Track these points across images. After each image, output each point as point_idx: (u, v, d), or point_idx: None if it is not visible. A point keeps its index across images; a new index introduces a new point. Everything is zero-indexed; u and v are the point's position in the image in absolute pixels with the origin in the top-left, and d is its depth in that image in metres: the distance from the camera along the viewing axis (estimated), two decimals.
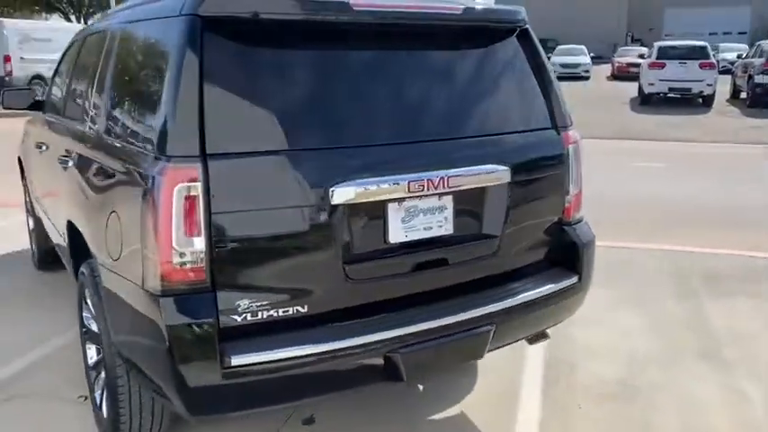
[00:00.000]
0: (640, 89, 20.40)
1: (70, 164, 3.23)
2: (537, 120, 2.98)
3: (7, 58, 20.12)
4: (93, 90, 3.18)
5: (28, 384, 3.60)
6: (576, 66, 29.58)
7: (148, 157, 2.27)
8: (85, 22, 38.64)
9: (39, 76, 21.06)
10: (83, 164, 3.04)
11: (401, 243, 2.54)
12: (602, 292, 4.97)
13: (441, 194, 2.59)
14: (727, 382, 3.66)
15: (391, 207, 2.50)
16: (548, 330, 3.30)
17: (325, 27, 2.43)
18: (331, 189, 2.31)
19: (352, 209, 2.40)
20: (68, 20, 37.07)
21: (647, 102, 19.86)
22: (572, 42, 34.07)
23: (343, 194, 2.33)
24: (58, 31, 23.12)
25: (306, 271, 2.37)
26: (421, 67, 2.70)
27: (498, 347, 2.88)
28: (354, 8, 2.41)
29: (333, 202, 2.32)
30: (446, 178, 2.53)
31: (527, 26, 2.98)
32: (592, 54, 32.24)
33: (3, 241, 6.19)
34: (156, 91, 2.31)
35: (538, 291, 2.84)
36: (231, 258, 2.23)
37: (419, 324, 2.50)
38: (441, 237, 2.63)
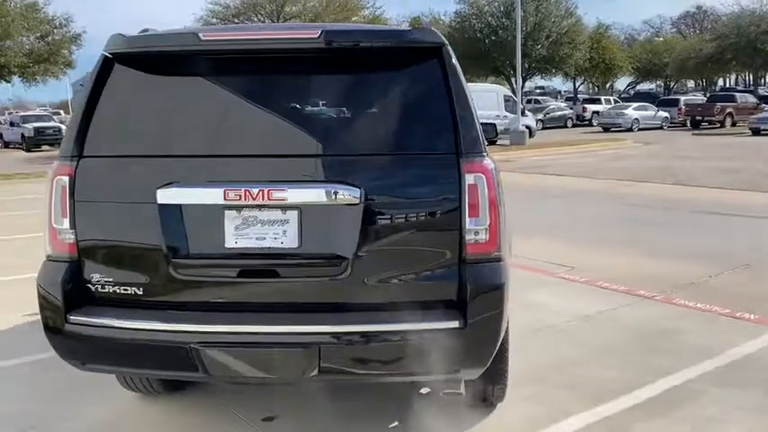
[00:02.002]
0: None
1: None
2: (429, 144, 2.73)
3: None
4: None
5: None
6: None
7: None
8: (523, 84, 42.52)
9: None
10: None
11: (232, 249, 2.72)
12: (725, 392, 3.77)
13: (284, 208, 2.68)
14: None
15: (228, 214, 2.71)
16: (461, 386, 2.91)
17: (178, 57, 2.84)
18: (157, 190, 2.70)
19: (187, 211, 2.72)
20: (510, 83, 41.16)
21: None
22: None
23: (164, 196, 2.69)
24: (474, 91, 26.20)
25: (141, 261, 2.80)
26: (275, 89, 2.81)
27: (341, 376, 2.73)
28: (203, 38, 2.75)
29: (159, 202, 2.70)
30: (267, 191, 2.62)
31: (422, 45, 2.77)
32: None
33: None
34: None
35: (387, 325, 2.61)
36: (89, 239, 2.82)
37: (224, 325, 2.64)
38: (276, 249, 2.70)
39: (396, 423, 3.47)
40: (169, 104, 2.85)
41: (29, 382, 4.02)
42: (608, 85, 64.66)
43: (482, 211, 2.68)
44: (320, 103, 2.80)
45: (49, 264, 2.87)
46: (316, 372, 2.65)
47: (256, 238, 2.70)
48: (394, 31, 2.90)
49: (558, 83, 61.15)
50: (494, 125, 5.99)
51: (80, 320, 2.76)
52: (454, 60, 2.85)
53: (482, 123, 5.48)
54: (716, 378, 3.99)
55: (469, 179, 2.67)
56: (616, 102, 41.52)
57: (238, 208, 2.70)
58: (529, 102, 45.21)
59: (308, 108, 2.80)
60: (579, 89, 61.54)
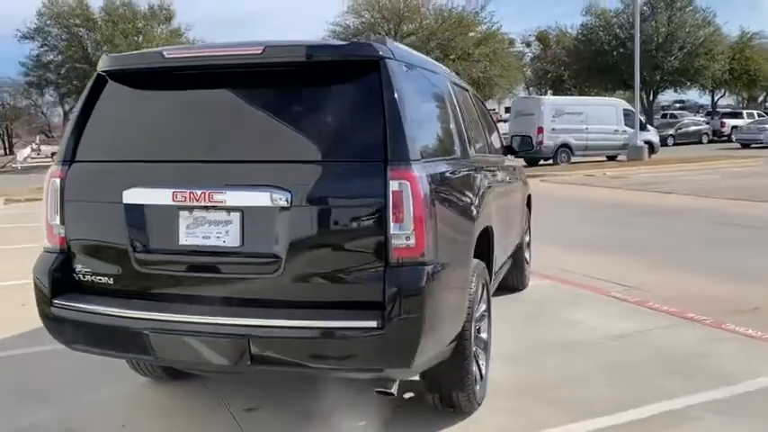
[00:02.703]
0: None
1: None
2: (359, 151, 2.86)
3: (540, 130, 23.22)
4: None
5: None
6: None
7: None
8: (654, 98, 40.38)
9: (565, 145, 23.72)
10: None
11: (184, 247, 2.99)
12: (724, 420, 3.53)
13: (228, 210, 2.92)
14: None
15: (182, 215, 2.98)
16: (393, 387, 2.98)
17: (148, 73, 3.18)
18: (123, 191, 3.03)
19: (148, 211, 3.03)
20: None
21: None
22: None
23: (127, 196, 3.02)
24: (589, 105, 25.44)
25: (112, 254, 3.14)
26: (225, 101, 3.07)
27: (273, 366, 2.93)
28: (166, 56, 3.07)
29: (124, 202, 3.03)
30: (208, 193, 2.87)
31: (358, 59, 2.92)
32: None
33: None
34: None
35: (310, 321, 2.77)
36: (74, 234, 3.20)
37: (170, 314, 2.91)
38: (219, 247, 2.93)
39: (363, 423, 3.58)
40: (140, 115, 3.20)
41: (48, 367, 4.46)
42: (760, 99, 59.61)
43: (407, 217, 2.76)
44: (262, 112, 3.02)
45: (43, 255, 3.28)
46: (249, 361, 2.85)
47: (203, 237, 2.96)
48: (331, 46, 3.06)
49: (695, 96, 57.14)
50: (530, 137, 5.96)
51: (63, 305, 3.14)
52: (394, 73, 2.94)
53: (520, 136, 5.50)
54: (722, 406, 3.73)
55: (394, 186, 2.75)
56: (760, 116, 38.34)
57: (190, 209, 2.97)
58: (664, 116, 42.92)
59: (251, 117, 3.04)
60: (726, 103, 57.35)
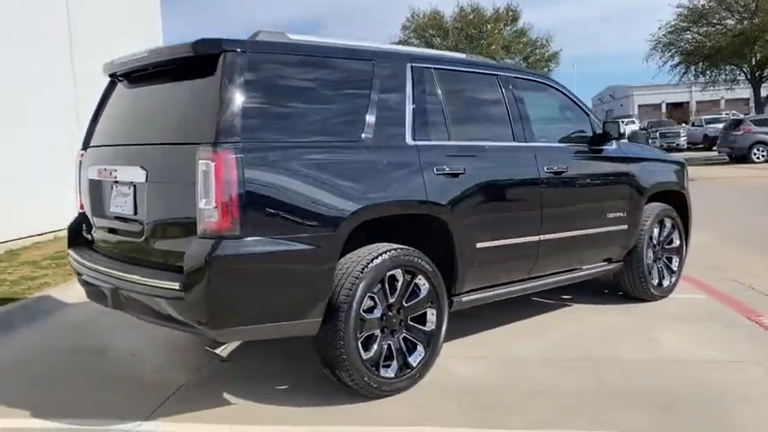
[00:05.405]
0: None
1: None
2: (186, 135, 3.23)
3: None
4: None
5: None
6: None
7: None
8: None
9: None
10: None
11: (111, 212, 3.74)
12: None
13: (128, 184, 3.57)
14: None
15: (114, 187, 3.73)
16: (222, 350, 3.25)
17: (117, 75, 3.96)
18: (89, 167, 3.92)
19: (101, 184, 3.85)
20: None
21: None
22: None
23: (89, 172, 3.92)
24: None
25: (87, 216, 4.07)
26: (136, 94, 3.77)
27: (136, 313, 3.47)
28: (115, 63, 3.83)
29: (88, 177, 3.92)
30: (109, 170, 3.59)
31: (201, 54, 3.23)
32: None
33: None
34: None
35: (141, 278, 3.28)
36: (82, 200, 4.23)
37: (90, 263, 3.71)
38: (120, 214, 3.63)
39: (285, 387, 3.84)
40: (110, 108, 4.07)
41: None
42: None
43: (210, 193, 3.02)
44: (147, 103, 3.66)
45: (73, 217, 4.40)
46: (122, 307, 3.49)
47: (116, 206, 3.69)
48: (185, 45, 3.29)
49: None
50: (617, 122, 5.11)
51: (71, 254, 4.20)
52: (233, 65, 3.17)
53: (609, 121, 4.93)
54: None
55: (202, 166, 3.03)
56: None
57: (115, 183, 3.71)
58: None
59: (141, 107, 3.72)
60: None
